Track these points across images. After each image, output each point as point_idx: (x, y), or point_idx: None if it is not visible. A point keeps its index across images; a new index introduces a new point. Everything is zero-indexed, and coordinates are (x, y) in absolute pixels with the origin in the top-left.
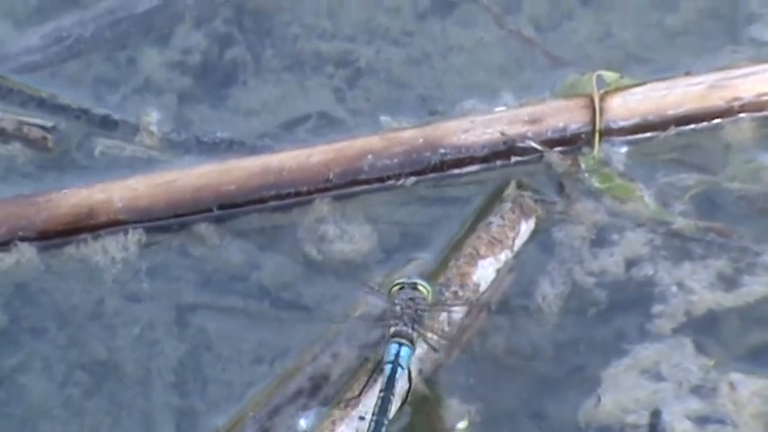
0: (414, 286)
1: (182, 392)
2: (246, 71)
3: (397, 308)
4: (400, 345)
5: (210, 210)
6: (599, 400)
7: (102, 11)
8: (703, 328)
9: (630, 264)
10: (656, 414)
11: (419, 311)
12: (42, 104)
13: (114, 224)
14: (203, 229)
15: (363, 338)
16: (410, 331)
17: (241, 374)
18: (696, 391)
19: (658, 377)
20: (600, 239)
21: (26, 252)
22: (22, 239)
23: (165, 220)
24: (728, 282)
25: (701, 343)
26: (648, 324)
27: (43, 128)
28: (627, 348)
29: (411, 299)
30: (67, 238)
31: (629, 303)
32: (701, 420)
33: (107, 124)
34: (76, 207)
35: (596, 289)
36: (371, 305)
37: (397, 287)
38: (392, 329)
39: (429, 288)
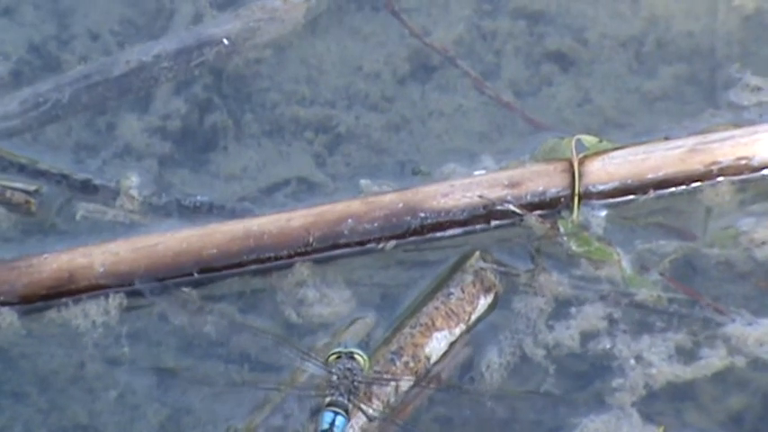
0: (350, 355)
1: None
2: (227, 136)
3: (334, 377)
4: (336, 414)
5: (191, 274)
6: None
7: (79, 75)
8: (654, 399)
9: (587, 337)
10: None
11: (356, 382)
12: (23, 170)
13: (95, 288)
14: (181, 295)
15: (312, 403)
16: (345, 401)
17: None
18: None
19: None
20: (558, 312)
21: (7, 317)
22: (3, 304)
23: (147, 285)
24: (687, 354)
25: (648, 412)
26: (596, 396)
27: (26, 192)
28: (573, 422)
29: (348, 369)
30: (49, 302)
31: (579, 377)
32: None
33: (88, 189)
34: (58, 272)
35: (545, 361)
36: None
37: (335, 356)
38: (327, 399)
39: (366, 358)
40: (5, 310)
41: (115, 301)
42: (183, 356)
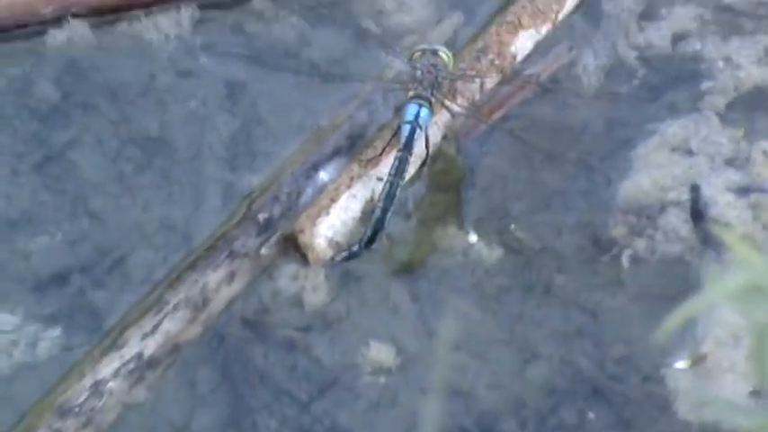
0: (434, 52)
1: (232, 167)
2: None
3: (418, 72)
4: (420, 106)
5: None
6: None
7: None
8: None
9: (677, 39)
10: (695, 189)
11: (439, 77)
12: None
13: (167, 1)
14: (258, 4)
15: (398, 100)
16: (429, 95)
17: (288, 147)
18: (730, 162)
19: (689, 152)
20: (648, 13)
21: (78, 29)
22: (75, 16)
23: None
24: None
25: (726, 116)
26: (681, 102)
27: None
28: (654, 128)
29: (432, 64)
30: (120, 14)
31: (671, 80)
32: (742, 191)
33: None
34: None
35: (638, 63)
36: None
37: (418, 53)
38: (411, 92)
39: (450, 54)
40: (76, 22)
41: (187, 13)
42: (254, 67)
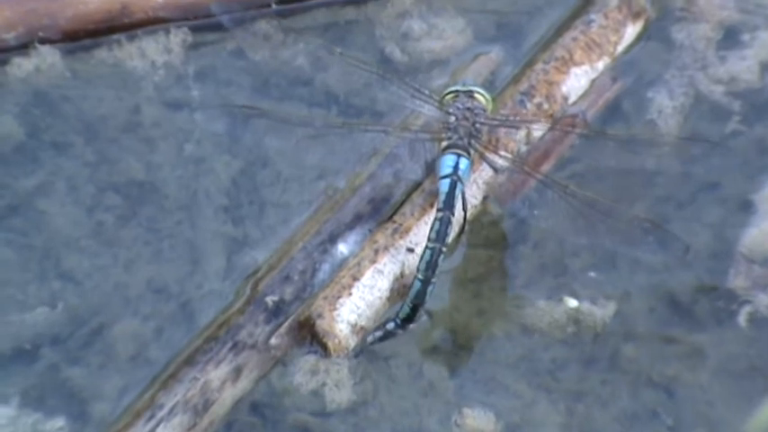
0: (470, 94)
1: (234, 218)
2: None
3: (452, 118)
4: (459, 156)
5: (269, 5)
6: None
7: None
8: None
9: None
10: None
11: (477, 124)
12: None
13: (154, 22)
14: (262, 26)
15: (429, 154)
16: (467, 144)
17: (301, 194)
18: None
19: None
20: (728, 40)
21: (48, 56)
22: (44, 42)
23: (216, 18)
24: None
25: None
26: None
27: None
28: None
29: (468, 108)
30: (98, 39)
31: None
32: None
33: None
34: (108, 2)
35: (726, 99)
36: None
37: (451, 95)
38: (445, 142)
39: (489, 97)
40: (46, 48)
41: (177, 37)
42: (259, 98)
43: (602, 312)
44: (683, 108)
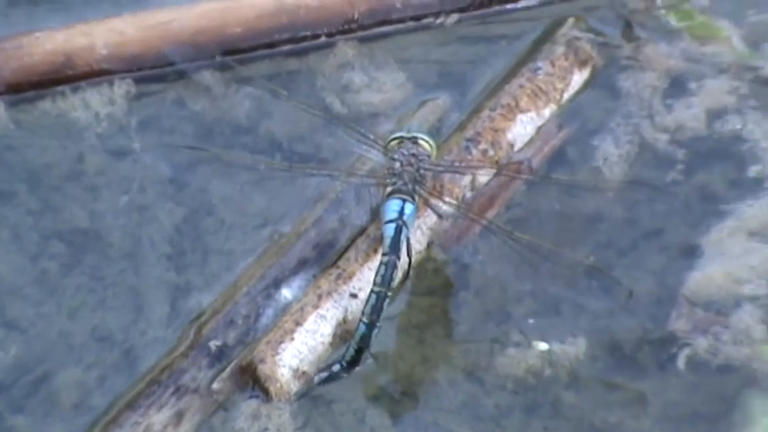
0: (414, 140)
1: (178, 266)
2: None
3: (397, 164)
4: (404, 201)
5: (212, 56)
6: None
7: None
8: None
9: (713, 116)
10: None
11: (421, 170)
12: None
13: (98, 74)
14: (205, 77)
15: (374, 199)
16: (411, 190)
17: (245, 242)
18: None
19: None
20: (674, 89)
21: None
22: None
23: (159, 69)
24: None
25: None
26: (740, 182)
27: None
28: (725, 210)
29: (413, 155)
30: (42, 90)
31: (715, 162)
32: None
33: None
34: (52, 54)
35: (671, 147)
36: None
37: (395, 141)
38: (390, 188)
39: (433, 144)
40: None
41: (121, 88)
42: (203, 146)
43: (546, 358)
44: (629, 156)
